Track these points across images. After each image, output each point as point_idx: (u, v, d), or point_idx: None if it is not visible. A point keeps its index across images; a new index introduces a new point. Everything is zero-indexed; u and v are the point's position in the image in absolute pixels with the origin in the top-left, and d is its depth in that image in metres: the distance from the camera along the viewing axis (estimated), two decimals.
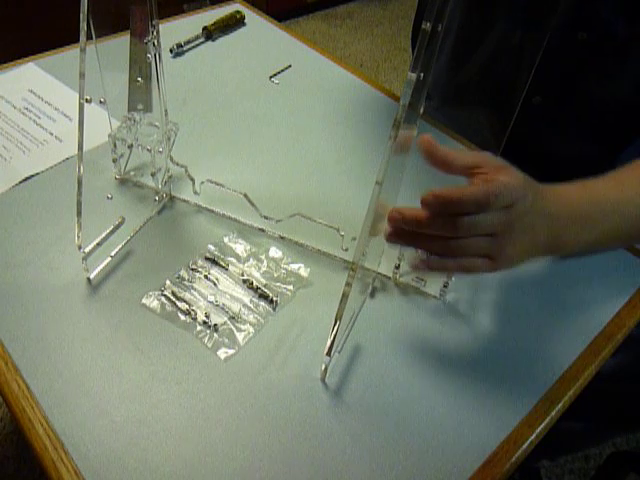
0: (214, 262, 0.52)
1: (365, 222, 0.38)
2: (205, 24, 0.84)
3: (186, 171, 0.57)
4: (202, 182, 0.56)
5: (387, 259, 0.52)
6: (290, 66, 0.80)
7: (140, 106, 0.67)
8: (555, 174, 0.61)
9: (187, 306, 0.48)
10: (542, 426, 0.43)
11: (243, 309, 0.48)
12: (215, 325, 0.47)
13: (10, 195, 0.57)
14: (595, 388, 0.49)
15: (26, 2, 1.69)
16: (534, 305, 0.51)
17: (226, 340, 0.46)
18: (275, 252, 0.54)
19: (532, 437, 0.42)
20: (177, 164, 0.58)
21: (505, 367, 0.46)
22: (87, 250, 0.47)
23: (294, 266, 0.52)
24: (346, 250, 0.53)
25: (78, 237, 0.46)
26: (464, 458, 0.41)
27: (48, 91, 0.71)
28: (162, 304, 0.48)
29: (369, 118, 0.72)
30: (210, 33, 0.84)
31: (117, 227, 0.51)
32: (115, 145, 0.56)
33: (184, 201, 0.58)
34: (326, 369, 0.44)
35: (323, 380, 0.44)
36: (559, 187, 0.45)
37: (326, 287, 0.51)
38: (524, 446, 0.42)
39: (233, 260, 0.52)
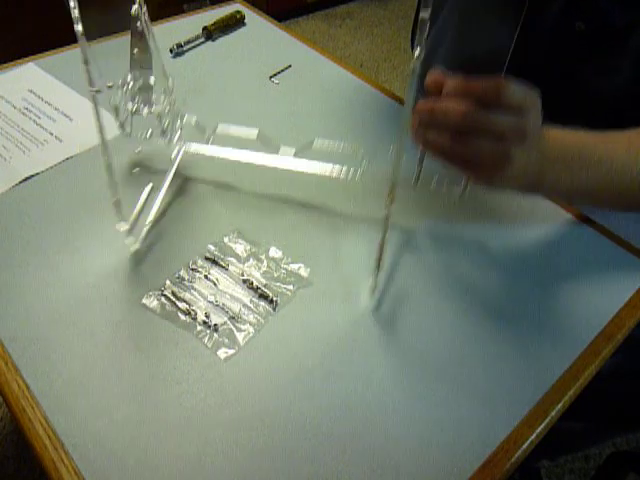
0: (214, 262, 0.52)
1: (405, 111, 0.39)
2: (205, 24, 0.84)
3: (195, 121, 0.57)
4: (214, 130, 0.57)
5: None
6: (290, 66, 0.80)
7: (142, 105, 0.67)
8: None
9: (187, 306, 0.48)
10: (542, 426, 0.43)
11: (243, 309, 0.48)
12: (215, 325, 0.47)
13: (10, 195, 0.57)
14: (595, 388, 0.49)
15: (26, 2, 1.69)
16: (534, 305, 0.51)
17: (226, 340, 0.46)
18: (275, 252, 0.54)
19: (532, 437, 0.42)
20: (183, 116, 0.58)
21: (505, 367, 0.46)
22: (130, 222, 0.50)
23: (294, 266, 0.52)
24: (362, 174, 0.54)
25: (118, 213, 0.48)
26: (464, 458, 0.41)
27: (48, 91, 0.71)
28: (162, 304, 0.48)
29: (369, 118, 0.72)
30: (210, 33, 0.84)
31: (149, 194, 0.53)
32: (117, 112, 0.55)
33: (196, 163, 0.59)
34: (375, 283, 0.47)
35: (372, 292, 0.49)
36: (553, 129, 0.47)
37: (326, 287, 0.51)
38: (524, 446, 0.42)
39: (233, 260, 0.52)
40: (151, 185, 0.53)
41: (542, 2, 0.60)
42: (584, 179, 0.49)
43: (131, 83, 0.53)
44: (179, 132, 0.58)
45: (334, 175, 0.56)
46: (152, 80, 0.54)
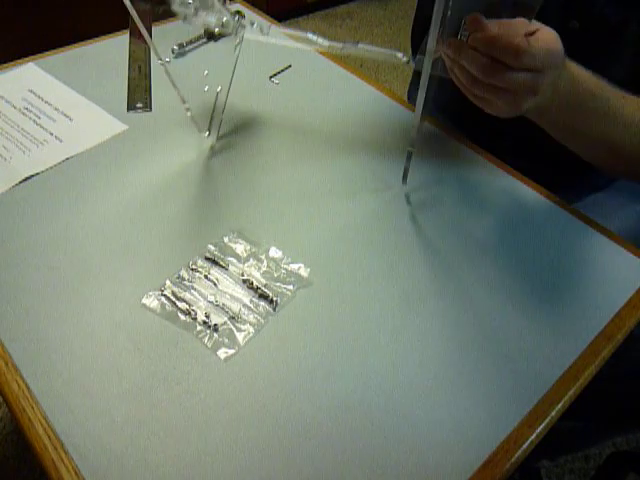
0: (214, 262, 0.52)
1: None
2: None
3: (251, 20, 0.63)
4: (269, 26, 0.61)
5: None
6: (290, 66, 0.80)
7: (139, 104, 0.67)
8: (556, 164, 0.61)
9: (187, 306, 0.48)
10: (542, 426, 0.43)
11: (243, 309, 0.48)
12: (215, 325, 0.47)
13: (10, 195, 0.57)
14: (595, 388, 0.49)
15: (26, 2, 1.69)
16: (534, 305, 0.51)
17: (226, 340, 0.46)
18: (275, 252, 0.54)
19: (532, 437, 0.42)
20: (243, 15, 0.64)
21: (505, 367, 0.46)
22: (208, 122, 0.62)
23: (294, 266, 0.52)
24: (407, 62, 0.55)
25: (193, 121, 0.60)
26: (464, 458, 0.41)
27: (48, 91, 0.71)
28: (162, 304, 0.48)
29: (369, 118, 0.72)
30: (212, 34, 0.84)
31: (217, 96, 0.63)
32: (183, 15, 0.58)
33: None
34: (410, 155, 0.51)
35: (404, 181, 0.55)
36: (579, 70, 0.50)
37: (326, 287, 0.51)
38: (524, 446, 0.42)
39: (233, 260, 0.52)
40: (220, 88, 0.62)
41: None
42: (589, 124, 0.52)
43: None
44: (241, 30, 0.63)
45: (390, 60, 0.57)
46: None
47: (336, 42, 0.57)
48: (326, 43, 0.58)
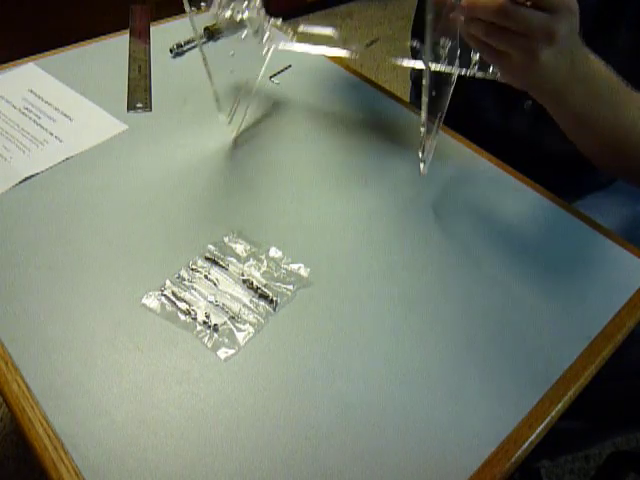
0: (214, 262, 0.52)
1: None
2: (206, 24, 0.84)
3: (281, 23, 0.67)
4: (296, 30, 0.66)
5: None
6: (290, 66, 0.80)
7: (139, 104, 0.67)
8: (556, 164, 0.61)
9: (187, 306, 0.48)
10: (542, 426, 0.43)
11: (243, 309, 0.48)
12: (215, 325, 0.47)
13: (10, 195, 0.57)
14: (595, 388, 0.49)
15: (26, 2, 1.69)
16: (533, 305, 0.51)
17: (226, 340, 0.46)
18: (275, 252, 0.54)
19: (532, 437, 0.42)
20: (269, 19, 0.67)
21: (505, 367, 0.46)
22: (230, 113, 0.62)
23: (294, 266, 0.52)
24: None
25: (217, 104, 0.60)
26: (464, 458, 0.41)
27: (48, 91, 0.71)
28: (162, 304, 0.48)
29: (369, 118, 0.72)
30: (211, 33, 0.84)
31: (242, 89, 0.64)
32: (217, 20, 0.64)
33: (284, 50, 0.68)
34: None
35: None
36: (594, 57, 0.49)
37: (326, 287, 0.51)
38: (524, 446, 0.42)
39: (233, 260, 0.52)
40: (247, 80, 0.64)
41: None
42: (600, 114, 0.53)
43: None
44: (268, 33, 0.65)
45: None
46: None
47: (358, 44, 0.60)
48: (344, 53, 0.60)
